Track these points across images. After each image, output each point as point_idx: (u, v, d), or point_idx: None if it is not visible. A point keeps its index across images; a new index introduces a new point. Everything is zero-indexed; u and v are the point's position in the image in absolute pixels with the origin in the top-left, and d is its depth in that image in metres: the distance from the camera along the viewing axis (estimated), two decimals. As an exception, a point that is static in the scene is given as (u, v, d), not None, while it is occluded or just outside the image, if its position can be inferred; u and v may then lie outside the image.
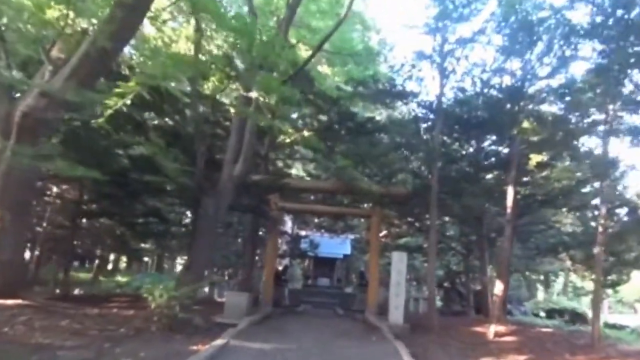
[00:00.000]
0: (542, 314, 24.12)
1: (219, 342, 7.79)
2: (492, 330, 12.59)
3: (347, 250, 27.34)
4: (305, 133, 16.23)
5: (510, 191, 13.35)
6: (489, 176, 18.62)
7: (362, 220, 32.91)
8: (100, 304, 13.48)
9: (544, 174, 15.60)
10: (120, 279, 23.71)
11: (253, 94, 9.05)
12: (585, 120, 13.50)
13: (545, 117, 13.56)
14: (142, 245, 23.80)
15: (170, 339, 8.29)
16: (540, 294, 36.20)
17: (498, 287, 13.07)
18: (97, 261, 28.60)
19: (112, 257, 31.53)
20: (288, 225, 26.98)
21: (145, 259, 33.89)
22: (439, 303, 22.49)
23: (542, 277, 34.59)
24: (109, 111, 8.01)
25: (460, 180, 17.10)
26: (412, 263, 24.83)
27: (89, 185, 14.02)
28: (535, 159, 12.96)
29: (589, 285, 33.35)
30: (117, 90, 7.87)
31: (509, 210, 13.26)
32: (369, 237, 21.56)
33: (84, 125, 10.39)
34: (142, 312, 10.05)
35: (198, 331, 9.21)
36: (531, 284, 35.71)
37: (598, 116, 12.55)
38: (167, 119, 13.08)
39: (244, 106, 10.08)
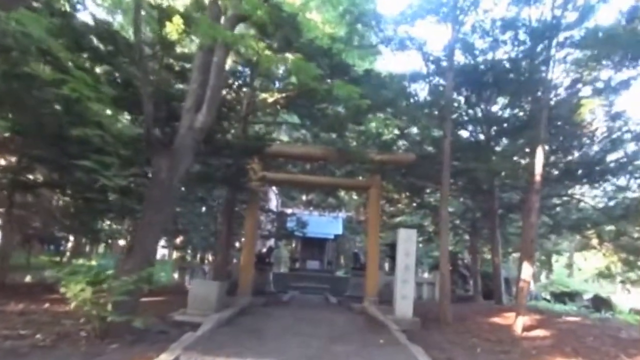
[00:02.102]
0: (549, 297, 22.16)
1: (162, 358, 5.28)
2: (519, 323, 10.33)
3: (339, 229, 24.94)
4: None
5: (539, 153, 10.94)
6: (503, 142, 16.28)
7: (355, 197, 30.78)
8: (37, 295, 10.92)
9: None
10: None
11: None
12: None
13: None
14: (109, 224, 21.13)
15: (95, 352, 5.78)
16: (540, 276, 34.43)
17: (525, 271, 10.74)
18: (69, 244, 26.00)
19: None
20: (273, 202, 24.45)
21: (121, 241, 31.40)
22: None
23: (543, 258, 32.81)
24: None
25: (472, 147, 14.70)
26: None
27: (27, 149, 11.36)
28: (588, 105, 10.48)
29: (593, 265, 31.79)
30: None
31: (537, 177, 10.85)
32: (366, 213, 19.18)
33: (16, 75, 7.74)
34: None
35: (143, 337, 6.71)
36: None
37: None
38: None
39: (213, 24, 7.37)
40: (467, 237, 21.88)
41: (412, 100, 13.01)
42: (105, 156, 7.87)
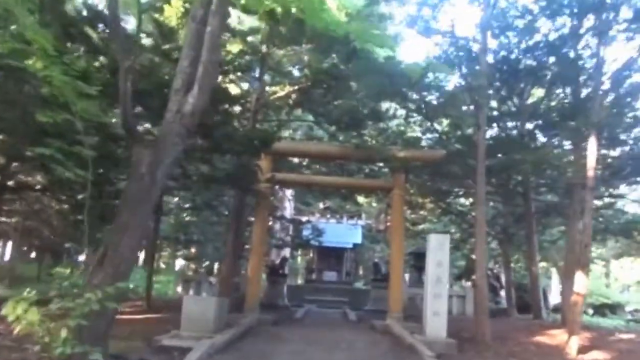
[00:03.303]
0: (589, 310, 20.15)
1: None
2: (573, 344, 8.70)
3: (357, 238, 23.36)
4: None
5: (592, 145, 9.34)
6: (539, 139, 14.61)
7: (374, 204, 29.15)
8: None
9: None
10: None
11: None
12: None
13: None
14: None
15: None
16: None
17: (579, 282, 9.09)
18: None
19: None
20: (288, 209, 23.09)
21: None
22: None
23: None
24: None
25: (507, 142, 13.10)
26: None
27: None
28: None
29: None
30: None
31: (590, 172, 9.23)
32: (387, 219, 17.71)
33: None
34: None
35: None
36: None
37: None
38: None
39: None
40: (495, 244, 20.18)
41: (439, 89, 11.45)
42: (75, 145, 6.58)
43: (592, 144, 9.39)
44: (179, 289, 13.96)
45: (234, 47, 11.81)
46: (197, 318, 7.80)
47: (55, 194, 11.71)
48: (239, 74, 13.23)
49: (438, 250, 8.70)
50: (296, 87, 12.71)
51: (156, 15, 11.99)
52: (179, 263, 30.07)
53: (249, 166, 10.43)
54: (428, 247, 8.90)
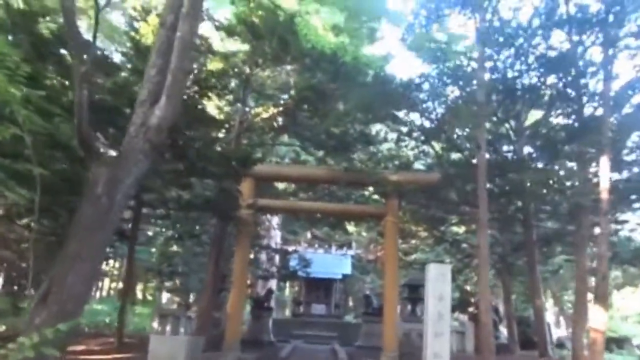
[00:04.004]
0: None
1: None
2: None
3: (347, 269, 22.27)
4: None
5: (604, 166, 8.66)
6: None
7: (364, 233, 28.17)
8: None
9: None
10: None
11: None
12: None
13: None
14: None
15: None
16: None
17: (597, 317, 8.21)
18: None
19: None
20: (274, 239, 22.05)
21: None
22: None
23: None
24: None
25: (509, 164, 12.39)
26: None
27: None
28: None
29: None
30: None
31: (603, 195, 8.52)
32: (378, 248, 16.81)
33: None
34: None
35: None
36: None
37: None
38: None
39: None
40: (491, 274, 19.29)
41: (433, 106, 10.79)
42: (25, 163, 5.70)
43: (604, 165, 8.73)
44: (155, 324, 12.73)
45: (214, 66, 11.13)
46: (164, 362, 6.76)
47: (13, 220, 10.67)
48: (219, 94, 12.59)
49: (439, 281, 7.79)
50: (281, 109, 12.00)
51: (132, 34, 11.36)
52: (166, 295, 28.66)
53: (229, 191, 9.54)
54: (427, 278, 7.98)
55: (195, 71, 9.49)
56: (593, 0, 10.41)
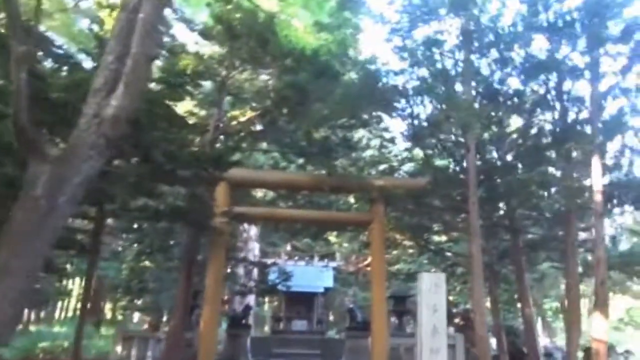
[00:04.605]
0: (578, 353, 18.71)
1: None
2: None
3: (329, 282, 21.39)
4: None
5: (596, 166, 8.22)
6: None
7: (345, 244, 27.41)
8: None
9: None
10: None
11: None
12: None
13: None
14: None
15: None
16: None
17: (598, 327, 7.68)
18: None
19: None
20: (253, 251, 21.11)
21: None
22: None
23: (554, 305, 29.45)
24: None
25: (494, 171, 11.94)
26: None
27: None
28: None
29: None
30: None
31: (597, 196, 8.06)
32: (362, 258, 16.10)
33: None
34: None
35: None
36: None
37: None
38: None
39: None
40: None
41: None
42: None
43: (596, 165, 8.28)
44: (119, 348, 11.63)
45: (186, 65, 10.36)
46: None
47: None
48: (193, 96, 11.82)
49: (432, 292, 7.12)
50: (259, 112, 11.27)
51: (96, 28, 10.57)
52: (138, 315, 27.19)
53: (201, 198, 8.72)
54: (419, 288, 7.30)
55: (164, 66, 8.70)
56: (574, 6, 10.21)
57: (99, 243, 11.40)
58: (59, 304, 27.74)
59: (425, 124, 10.42)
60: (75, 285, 28.95)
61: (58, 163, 4.69)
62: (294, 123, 11.89)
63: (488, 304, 17.50)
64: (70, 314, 28.70)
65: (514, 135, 13.39)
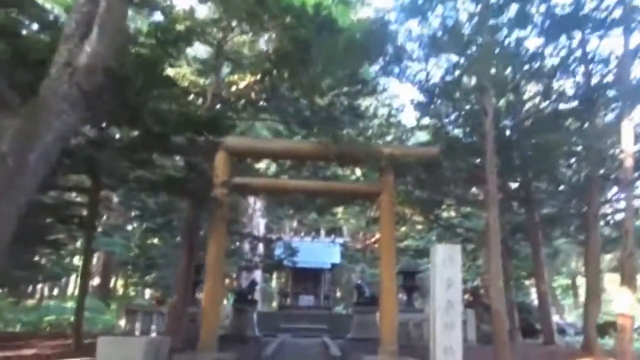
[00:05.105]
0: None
1: None
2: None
3: (336, 257, 21.07)
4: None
5: (627, 126, 7.54)
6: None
7: (352, 221, 26.93)
8: None
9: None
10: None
11: None
12: None
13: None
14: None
15: None
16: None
17: (624, 301, 7.13)
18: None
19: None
20: (259, 227, 20.76)
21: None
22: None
23: (566, 282, 28.92)
24: None
25: (515, 138, 11.25)
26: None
27: None
28: None
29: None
30: None
31: (627, 163, 7.41)
32: (369, 234, 15.66)
33: None
34: None
35: None
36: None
37: None
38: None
39: None
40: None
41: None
42: None
43: (626, 128, 7.59)
44: (122, 322, 11.35)
45: (177, 23, 9.63)
46: (116, 372, 5.45)
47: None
48: (187, 61, 11.20)
49: (447, 265, 6.59)
50: (259, 77, 10.60)
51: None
52: (149, 291, 27.20)
53: (198, 167, 8.19)
54: (433, 262, 6.78)
55: (155, 26, 8.03)
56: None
57: (96, 216, 11.05)
58: (72, 280, 27.76)
59: (437, 88, 9.70)
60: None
61: (27, 117, 4.16)
62: (296, 89, 11.24)
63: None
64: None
65: (532, 102, 12.68)
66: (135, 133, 7.54)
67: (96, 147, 7.34)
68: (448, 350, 6.34)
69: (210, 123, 6.58)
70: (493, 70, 9.81)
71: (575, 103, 10.72)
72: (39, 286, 25.95)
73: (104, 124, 7.23)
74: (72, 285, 29.57)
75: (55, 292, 29.62)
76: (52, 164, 4.42)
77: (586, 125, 10.70)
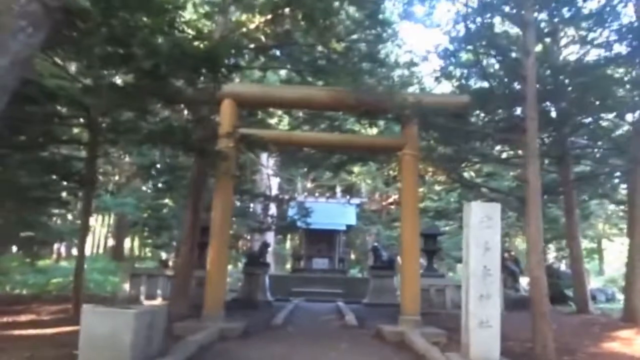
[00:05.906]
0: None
1: None
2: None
3: (352, 219, 20.31)
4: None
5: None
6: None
7: (368, 181, 26.02)
8: None
9: None
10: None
11: None
12: None
13: None
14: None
15: None
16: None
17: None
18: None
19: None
20: (272, 186, 20.01)
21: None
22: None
23: (591, 245, 27.95)
24: None
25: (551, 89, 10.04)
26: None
27: None
28: None
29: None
30: None
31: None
32: (384, 195, 14.81)
33: None
34: None
35: None
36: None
37: None
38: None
39: None
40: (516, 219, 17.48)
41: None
42: None
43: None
44: (127, 286, 10.83)
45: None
46: (104, 344, 4.76)
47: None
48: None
49: (484, 227, 5.67)
50: (269, 17, 9.47)
51: None
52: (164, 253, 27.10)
53: (201, 116, 7.26)
54: (466, 222, 5.86)
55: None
56: None
57: (95, 172, 10.31)
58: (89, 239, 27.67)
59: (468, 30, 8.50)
60: (98, 222, 28.91)
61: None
62: (311, 33, 10.09)
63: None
64: (100, 250, 28.88)
65: (571, 49, 11.39)
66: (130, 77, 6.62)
67: (91, 94, 6.44)
68: (484, 324, 5.51)
69: (210, 59, 5.60)
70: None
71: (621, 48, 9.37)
72: (56, 247, 25.82)
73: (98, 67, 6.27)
74: (88, 245, 29.61)
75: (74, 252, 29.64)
76: (8, 92, 3.54)
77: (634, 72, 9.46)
